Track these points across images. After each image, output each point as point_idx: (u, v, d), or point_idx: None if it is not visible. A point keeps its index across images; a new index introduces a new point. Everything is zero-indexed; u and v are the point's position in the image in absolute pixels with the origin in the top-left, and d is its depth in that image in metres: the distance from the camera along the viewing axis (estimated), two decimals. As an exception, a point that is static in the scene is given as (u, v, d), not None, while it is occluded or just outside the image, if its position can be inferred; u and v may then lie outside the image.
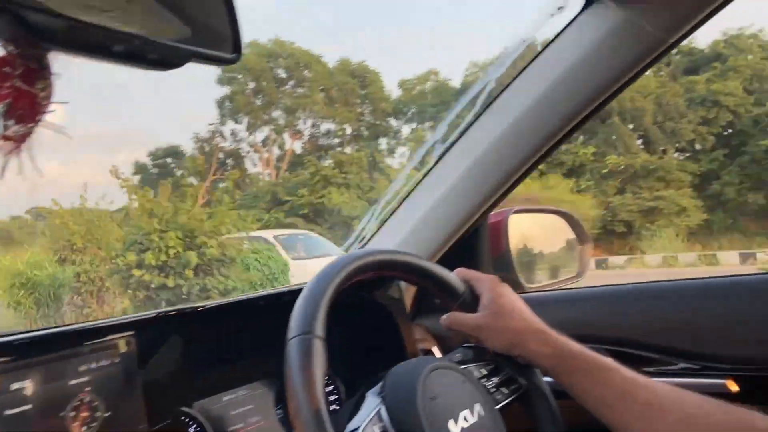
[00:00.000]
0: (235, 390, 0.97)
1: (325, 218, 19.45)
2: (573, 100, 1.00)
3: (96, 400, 0.76)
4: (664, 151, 21.37)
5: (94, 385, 0.76)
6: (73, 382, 0.74)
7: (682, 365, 1.07)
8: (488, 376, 0.81)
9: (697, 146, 21.62)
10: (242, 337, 0.99)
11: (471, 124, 1.11)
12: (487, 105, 1.10)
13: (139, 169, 25.35)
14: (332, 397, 1.09)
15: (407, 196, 1.21)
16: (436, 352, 1.20)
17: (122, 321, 0.82)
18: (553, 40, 1.00)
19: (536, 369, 0.84)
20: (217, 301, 0.94)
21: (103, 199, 12.32)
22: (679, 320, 1.08)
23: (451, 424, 0.67)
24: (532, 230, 1.48)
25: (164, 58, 0.50)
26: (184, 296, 9.24)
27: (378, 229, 1.23)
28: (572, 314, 1.23)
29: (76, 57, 0.45)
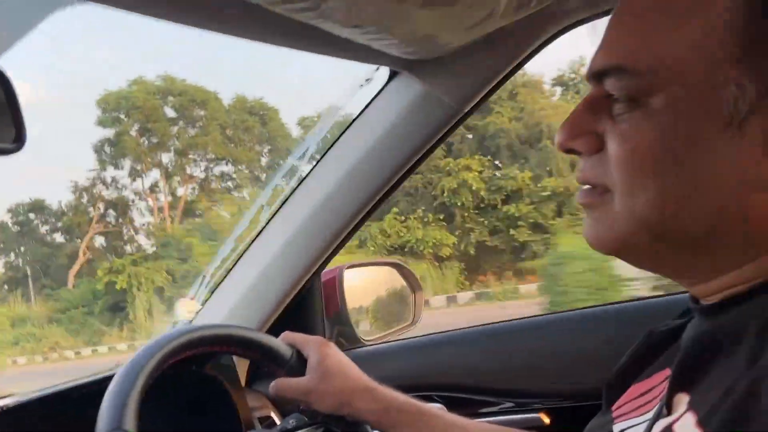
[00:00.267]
0: None
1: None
2: (386, 164, 1.08)
3: None
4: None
5: None
6: None
7: (508, 404, 1.16)
8: None
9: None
10: None
11: (294, 190, 1.14)
12: (307, 173, 1.14)
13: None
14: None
15: (237, 260, 1.21)
16: (275, 417, 1.19)
17: None
18: (363, 110, 1.07)
19: (366, 426, 0.86)
20: (18, 397, 0.86)
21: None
22: (497, 361, 1.18)
23: None
24: (366, 284, 1.53)
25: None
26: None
27: (209, 298, 1.21)
28: (408, 364, 1.29)
29: None
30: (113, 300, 16.19)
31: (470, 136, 16.08)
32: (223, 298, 1.18)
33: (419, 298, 1.57)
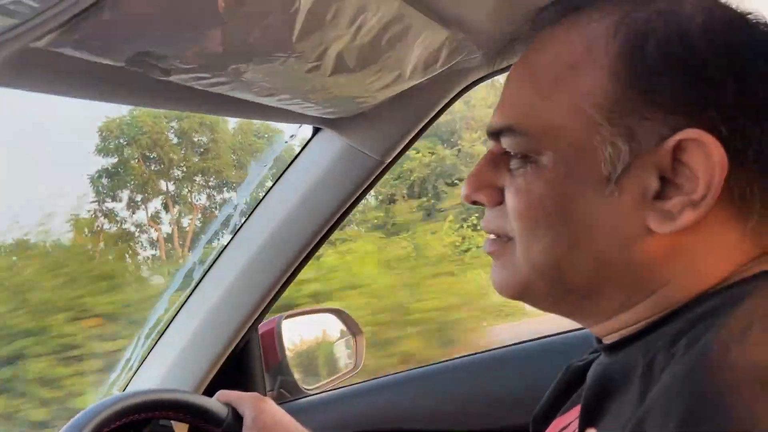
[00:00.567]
0: None
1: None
2: (315, 217, 1.11)
3: None
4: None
5: None
6: None
7: None
8: None
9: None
10: None
11: (225, 246, 1.16)
12: (240, 226, 1.16)
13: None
14: None
15: (172, 320, 1.20)
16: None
17: None
18: (289, 166, 1.10)
19: None
20: None
21: None
22: (437, 403, 1.21)
23: None
24: (306, 332, 1.54)
25: None
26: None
27: (144, 360, 1.19)
28: (350, 411, 1.30)
29: None
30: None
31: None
32: (158, 361, 1.16)
33: (360, 343, 1.58)
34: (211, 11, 0.55)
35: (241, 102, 0.78)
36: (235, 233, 1.18)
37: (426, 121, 1.06)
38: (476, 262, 6.32)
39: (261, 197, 1.14)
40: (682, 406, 0.37)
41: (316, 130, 1.08)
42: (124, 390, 1.21)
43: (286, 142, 1.10)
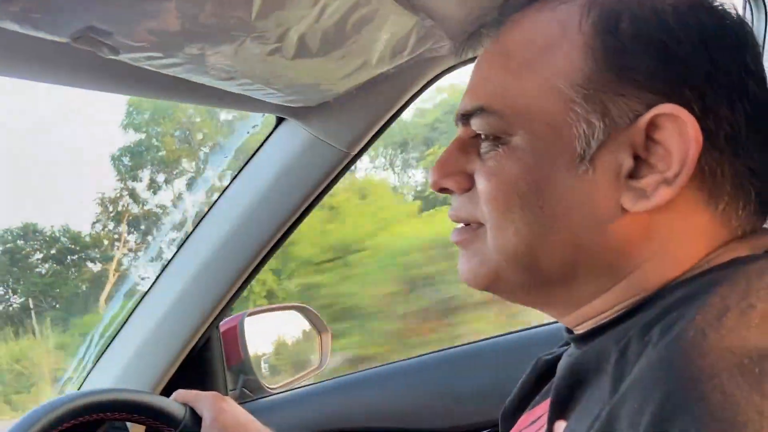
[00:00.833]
0: None
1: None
2: (279, 210, 1.07)
3: None
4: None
5: None
6: None
7: None
8: None
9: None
10: None
11: (184, 241, 1.11)
12: (200, 219, 1.12)
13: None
14: None
15: (128, 317, 1.15)
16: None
17: None
18: (252, 157, 1.07)
19: None
20: None
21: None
22: (404, 401, 1.18)
23: None
24: (270, 330, 1.50)
25: None
26: None
27: (98, 360, 1.14)
28: (313, 410, 1.27)
29: None
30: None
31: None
32: (114, 359, 1.12)
33: (326, 341, 1.55)
34: (163, -16, 0.52)
35: (198, 86, 0.74)
36: (195, 227, 1.14)
37: (393, 111, 1.03)
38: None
39: (222, 189, 1.10)
40: (659, 393, 0.36)
41: (279, 121, 1.04)
42: (78, 390, 1.16)
43: (248, 132, 1.06)
